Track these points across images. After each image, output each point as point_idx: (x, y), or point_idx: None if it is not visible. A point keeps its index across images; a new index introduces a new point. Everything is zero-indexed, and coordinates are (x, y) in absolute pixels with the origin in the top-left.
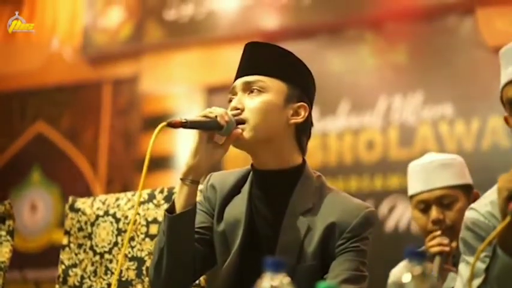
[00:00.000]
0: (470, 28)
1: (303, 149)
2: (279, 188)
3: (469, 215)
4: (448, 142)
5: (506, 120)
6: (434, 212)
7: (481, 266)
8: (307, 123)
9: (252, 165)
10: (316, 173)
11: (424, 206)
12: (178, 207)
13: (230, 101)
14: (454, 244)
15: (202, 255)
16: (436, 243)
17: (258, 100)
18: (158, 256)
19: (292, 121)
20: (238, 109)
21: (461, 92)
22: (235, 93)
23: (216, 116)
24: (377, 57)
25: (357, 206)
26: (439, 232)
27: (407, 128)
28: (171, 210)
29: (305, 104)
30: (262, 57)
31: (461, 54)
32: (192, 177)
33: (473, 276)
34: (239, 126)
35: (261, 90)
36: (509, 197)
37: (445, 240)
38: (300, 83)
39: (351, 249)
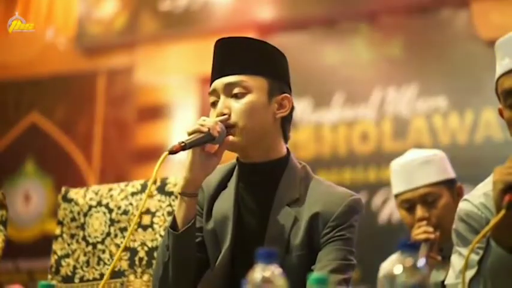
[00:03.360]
0: (465, 21)
1: (286, 138)
2: (265, 180)
3: (463, 206)
4: (441, 135)
5: (500, 112)
6: (419, 211)
7: (474, 257)
8: (291, 112)
9: (237, 158)
10: (301, 163)
11: (409, 206)
12: (181, 223)
13: (213, 103)
14: (437, 233)
15: (201, 261)
16: (421, 231)
17: (243, 102)
18: (163, 270)
19: (279, 115)
20: (225, 114)
21: (455, 85)
22: (217, 96)
23: (208, 129)
24: (371, 49)
25: (341, 195)
26: (424, 222)
27: (402, 120)
28: (173, 225)
29: (288, 95)
30: (239, 54)
31: (456, 47)
32: (191, 190)
33: (466, 267)
34: (229, 131)
35: (244, 92)
36: (505, 189)
37: (430, 228)
38: (279, 73)
39: (337, 238)
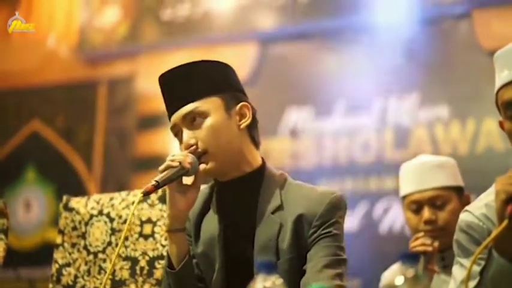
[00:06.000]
0: (466, 30)
1: (257, 144)
2: (245, 193)
3: (464, 217)
4: (443, 144)
5: (500, 124)
6: (426, 213)
7: (475, 268)
8: (254, 117)
9: (214, 178)
10: (279, 170)
11: (417, 207)
12: (175, 261)
13: (176, 136)
14: (436, 244)
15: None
16: (419, 243)
17: (204, 127)
18: None
19: (243, 126)
20: (193, 144)
21: (456, 94)
22: (179, 129)
23: (179, 163)
24: (373, 58)
25: (322, 194)
26: (422, 233)
27: (403, 130)
28: (169, 264)
29: (245, 103)
30: (184, 83)
31: (457, 57)
32: (177, 226)
33: (469, 278)
34: (201, 159)
35: (202, 117)
36: (507, 199)
37: (428, 241)
38: (229, 85)
39: (324, 235)
